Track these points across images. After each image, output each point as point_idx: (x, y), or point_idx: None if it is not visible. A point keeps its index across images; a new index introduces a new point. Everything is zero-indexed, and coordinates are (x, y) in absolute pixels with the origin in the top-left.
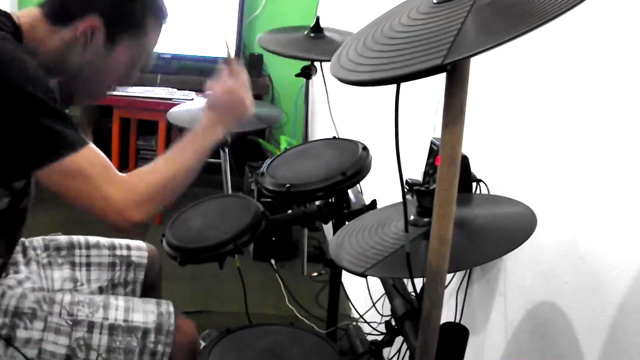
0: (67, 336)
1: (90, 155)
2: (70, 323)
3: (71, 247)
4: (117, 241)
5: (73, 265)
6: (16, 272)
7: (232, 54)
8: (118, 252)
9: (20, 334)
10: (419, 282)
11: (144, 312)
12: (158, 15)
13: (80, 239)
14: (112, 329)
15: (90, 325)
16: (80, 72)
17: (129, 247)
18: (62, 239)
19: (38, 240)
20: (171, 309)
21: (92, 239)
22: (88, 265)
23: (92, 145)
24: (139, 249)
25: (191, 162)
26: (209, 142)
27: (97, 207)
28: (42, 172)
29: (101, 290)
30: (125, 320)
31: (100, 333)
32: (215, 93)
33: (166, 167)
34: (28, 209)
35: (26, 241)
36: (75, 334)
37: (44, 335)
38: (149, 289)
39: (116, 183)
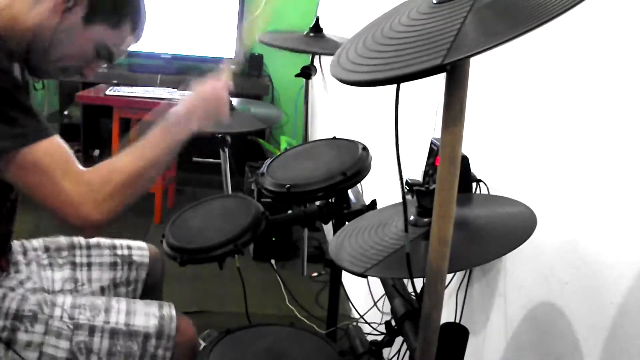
0: (68, 340)
1: (50, 148)
2: (72, 327)
3: (72, 247)
4: (118, 241)
5: (74, 265)
6: (17, 271)
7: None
8: (119, 252)
9: (21, 337)
10: (419, 282)
11: (146, 316)
12: (135, 26)
13: (81, 239)
14: (114, 333)
15: (92, 329)
16: (51, 39)
17: (129, 247)
18: (63, 239)
19: (38, 241)
20: (173, 312)
21: (93, 239)
22: (89, 265)
23: (55, 138)
24: (140, 248)
25: (160, 158)
26: (182, 136)
27: (53, 202)
28: None
29: (103, 291)
30: (127, 324)
31: (102, 337)
32: (198, 87)
33: (133, 163)
34: (18, 201)
35: (26, 242)
36: (76, 337)
37: (45, 339)
38: (151, 289)
39: (75, 178)
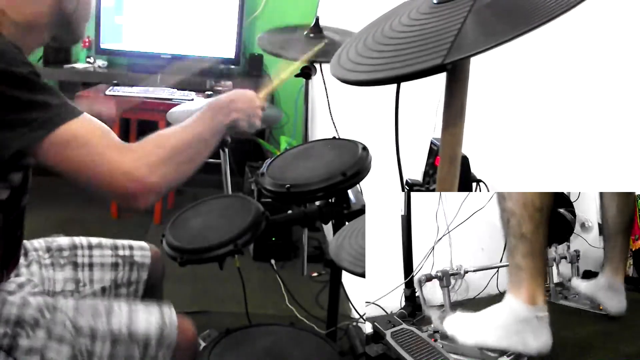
0: (70, 345)
1: (86, 123)
2: (73, 332)
3: (73, 247)
4: (120, 242)
5: (75, 265)
6: (17, 275)
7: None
8: (121, 253)
9: (23, 342)
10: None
11: (147, 321)
12: None
13: (82, 239)
14: (115, 338)
15: (93, 335)
16: (76, 7)
17: (131, 247)
18: (64, 240)
19: (40, 242)
20: (174, 315)
21: (94, 240)
22: (91, 265)
23: (87, 115)
24: (141, 249)
25: (205, 134)
26: (223, 120)
27: (102, 173)
28: (37, 151)
29: (104, 291)
30: (128, 329)
31: (103, 342)
32: (237, 90)
33: (180, 133)
34: (25, 209)
35: (27, 243)
36: (77, 343)
37: (47, 344)
38: (151, 289)
39: (120, 148)
